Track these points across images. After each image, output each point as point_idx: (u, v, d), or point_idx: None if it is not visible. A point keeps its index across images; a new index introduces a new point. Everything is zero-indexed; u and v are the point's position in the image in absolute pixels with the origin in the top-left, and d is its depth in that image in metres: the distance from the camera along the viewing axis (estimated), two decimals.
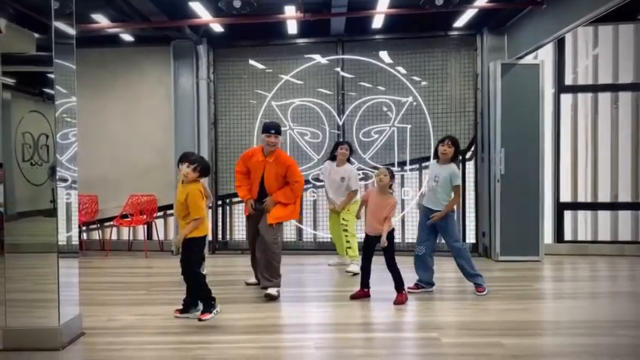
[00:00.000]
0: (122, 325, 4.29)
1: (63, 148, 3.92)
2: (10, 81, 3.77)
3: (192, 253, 4.41)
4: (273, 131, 5.00)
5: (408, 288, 5.10)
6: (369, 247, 4.92)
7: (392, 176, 4.84)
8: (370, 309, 4.78)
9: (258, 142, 7.51)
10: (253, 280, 5.44)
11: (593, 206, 7.37)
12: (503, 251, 6.81)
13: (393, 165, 7.36)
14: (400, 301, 4.81)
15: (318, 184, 7.44)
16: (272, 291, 4.94)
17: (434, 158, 5.31)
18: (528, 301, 4.93)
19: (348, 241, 6.09)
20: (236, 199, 7.73)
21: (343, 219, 6.08)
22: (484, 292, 5.05)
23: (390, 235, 4.84)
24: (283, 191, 5.10)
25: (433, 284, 5.23)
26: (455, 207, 5.17)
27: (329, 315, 4.65)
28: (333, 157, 6.25)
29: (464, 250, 5.18)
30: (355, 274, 5.66)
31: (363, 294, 4.97)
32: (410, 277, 5.15)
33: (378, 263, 4.89)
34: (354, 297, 4.95)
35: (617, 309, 4.70)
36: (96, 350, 3.74)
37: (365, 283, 4.97)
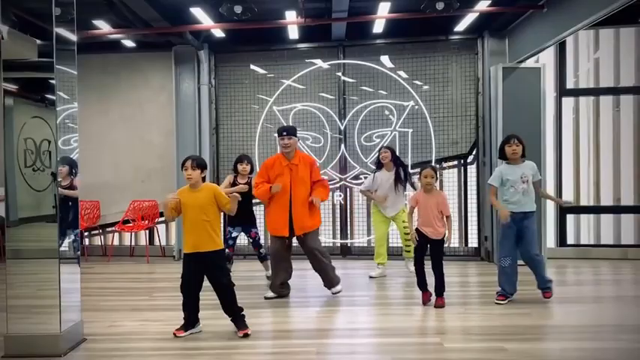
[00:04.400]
0: (124, 331, 4.28)
1: (65, 154, 3.92)
2: (12, 87, 3.78)
3: (225, 262, 4.21)
4: (285, 133, 5.06)
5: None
6: (423, 249, 4.90)
7: (437, 176, 4.89)
8: (373, 314, 4.77)
9: (263, 147, 7.61)
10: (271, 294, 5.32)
11: (596, 210, 7.36)
12: None
13: None
14: (441, 304, 4.82)
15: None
16: (337, 288, 5.25)
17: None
18: (531, 305, 4.90)
19: (408, 245, 6.05)
20: None
21: (403, 220, 6.03)
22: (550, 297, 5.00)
23: (442, 237, 4.86)
24: (318, 190, 5.14)
25: (515, 291, 5.08)
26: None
27: (332, 320, 4.64)
28: (379, 166, 6.17)
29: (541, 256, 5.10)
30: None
31: (429, 296, 4.94)
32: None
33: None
34: (426, 303, 4.91)
35: (621, 313, 4.68)
36: (97, 357, 3.73)
37: (425, 284, 4.95)
